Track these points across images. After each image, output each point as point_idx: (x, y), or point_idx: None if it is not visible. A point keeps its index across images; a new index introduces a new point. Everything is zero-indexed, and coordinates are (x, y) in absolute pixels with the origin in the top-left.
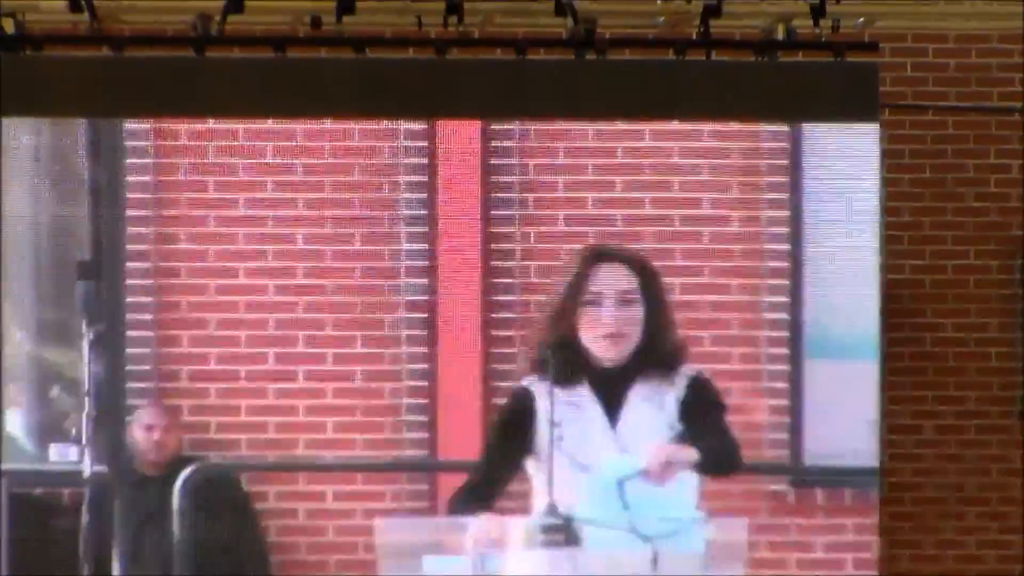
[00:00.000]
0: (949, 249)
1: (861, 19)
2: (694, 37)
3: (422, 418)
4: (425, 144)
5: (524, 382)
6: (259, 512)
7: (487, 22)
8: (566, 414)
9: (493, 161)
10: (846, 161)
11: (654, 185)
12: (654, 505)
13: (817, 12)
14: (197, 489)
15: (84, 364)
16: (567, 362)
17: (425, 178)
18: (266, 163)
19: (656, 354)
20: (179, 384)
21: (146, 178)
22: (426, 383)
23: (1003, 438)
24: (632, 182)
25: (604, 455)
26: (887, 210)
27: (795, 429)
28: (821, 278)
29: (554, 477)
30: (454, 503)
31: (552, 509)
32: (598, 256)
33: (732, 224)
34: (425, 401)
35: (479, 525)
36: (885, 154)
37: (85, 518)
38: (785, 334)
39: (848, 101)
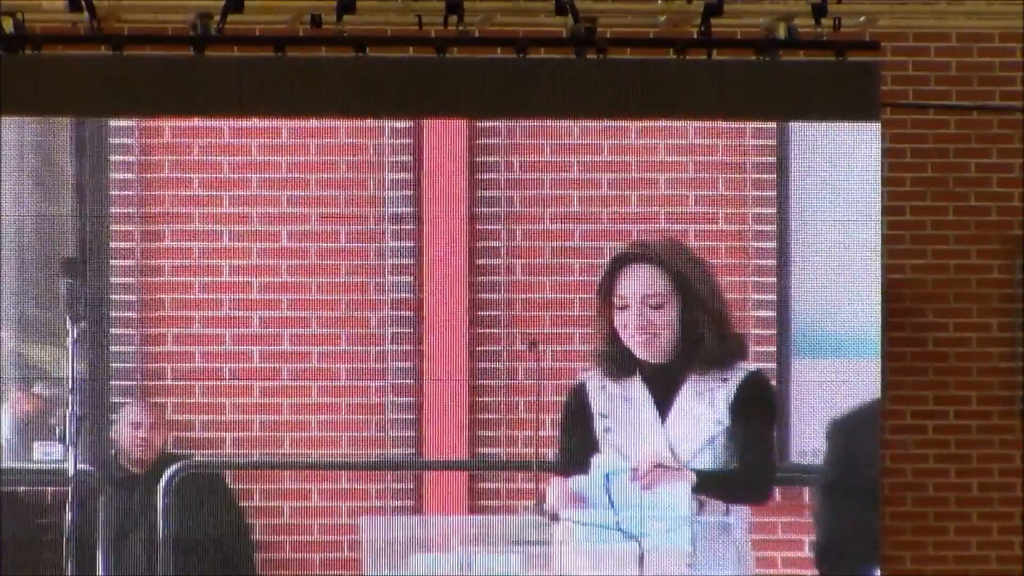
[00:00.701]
0: (950, 249)
1: (862, 18)
2: (695, 36)
3: (408, 416)
4: (410, 142)
5: (581, 377)
6: (244, 510)
7: (487, 21)
8: (615, 407)
9: (479, 159)
10: (846, 160)
11: (641, 183)
12: (643, 503)
13: (818, 11)
14: (181, 487)
15: (68, 362)
16: (616, 358)
17: (411, 176)
18: (251, 161)
19: (706, 350)
20: (164, 382)
21: (130, 175)
22: (412, 381)
23: (1004, 438)
24: (621, 180)
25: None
26: (888, 210)
27: (781, 427)
28: (822, 277)
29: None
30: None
31: (539, 506)
32: (623, 259)
33: (719, 222)
34: (411, 399)
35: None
36: (886, 153)
37: (69, 517)
38: (772, 332)
39: (849, 100)
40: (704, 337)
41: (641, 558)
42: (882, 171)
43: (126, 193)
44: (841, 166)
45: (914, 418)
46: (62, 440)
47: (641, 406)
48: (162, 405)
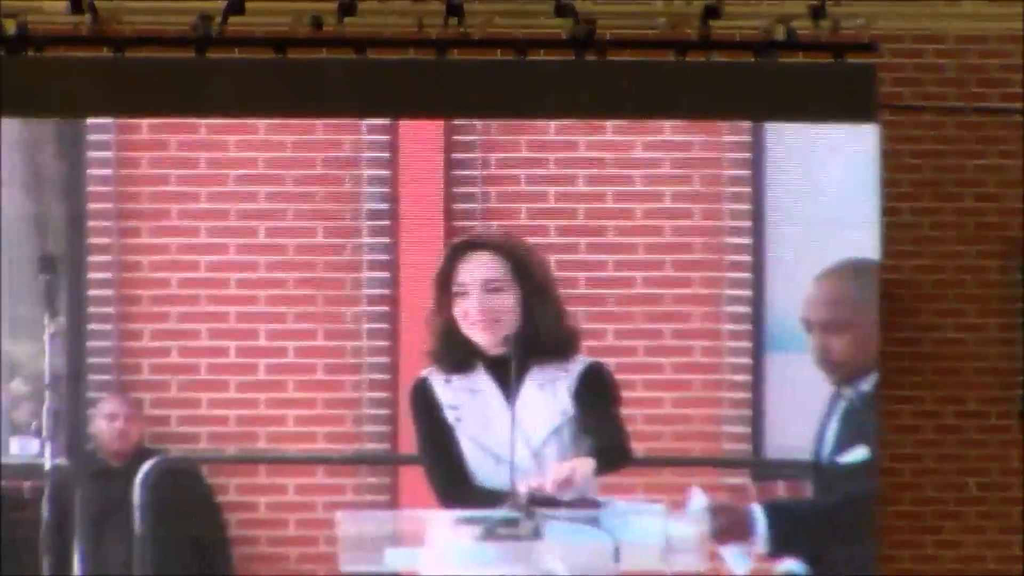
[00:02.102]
0: (949, 249)
1: (860, 20)
2: (694, 38)
3: (383, 412)
4: (387, 139)
5: (423, 373)
6: (220, 505)
7: (487, 23)
8: (462, 399)
9: (455, 155)
10: (845, 160)
11: (617, 179)
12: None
13: (817, 13)
14: (158, 482)
15: (45, 357)
16: (457, 350)
17: (388, 172)
18: (228, 157)
19: (545, 341)
20: (140, 377)
21: (108, 171)
22: (387, 377)
23: (1003, 438)
24: (598, 176)
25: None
26: (887, 210)
27: (758, 423)
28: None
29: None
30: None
31: (514, 502)
32: (463, 247)
33: (694, 218)
34: (386, 395)
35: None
36: (885, 155)
37: (46, 511)
38: (748, 327)
39: (847, 102)
40: (543, 326)
41: (616, 552)
42: (880, 172)
43: (103, 189)
44: (839, 165)
45: (913, 418)
46: (39, 435)
47: (488, 397)
48: (139, 399)
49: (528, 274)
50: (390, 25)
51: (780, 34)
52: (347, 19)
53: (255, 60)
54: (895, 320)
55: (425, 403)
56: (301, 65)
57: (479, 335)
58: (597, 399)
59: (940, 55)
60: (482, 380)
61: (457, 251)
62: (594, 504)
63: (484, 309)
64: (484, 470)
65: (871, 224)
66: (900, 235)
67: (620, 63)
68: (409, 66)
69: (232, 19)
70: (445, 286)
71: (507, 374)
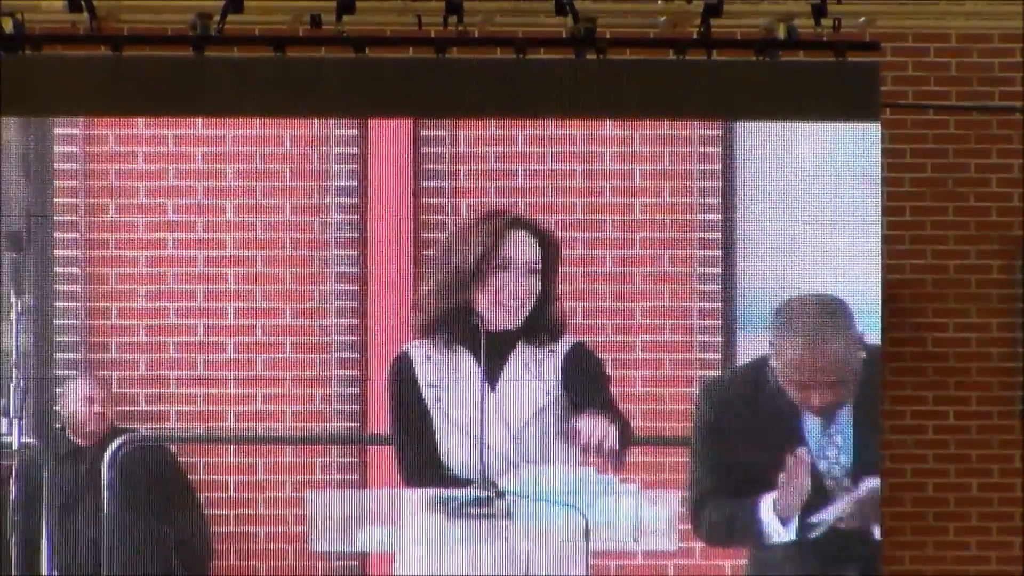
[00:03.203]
0: (950, 249)
1: (862, 18)
2: (695, 36)
3: (352, 390)
4: (355, 133)
5: (404, 348)
6: (190, 484)
7: (487, 21)
8: (443, 376)
9: (424, 132)
10: (845, 159)
11: (588, 156)
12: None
13: (818, 11)
14: (126, 462)
15: (12, 335)
16: (456, 326)
17: (356, 150)
18: (196, 134)
19: (540, 323)
20: (108, 355)
21: (75, 149)
22: (357, 355)
23: (1004, 438)
24: (568, 154)
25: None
26: (888, 210)
27: None
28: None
29: (439, 437)
30: (409, 481)
31: (486, 481)
32: (513, 223)
33: (664, 196)
34: (355, 373)
35: None
36: (886, 154)
37: (14, 490)
38: (718, 306)
39: (849, 101)
40: (545, 310)
41: (587, 532)
42: (882, 171)
43: (70, 166)
44: (839, 164)
45: (914, 418)
46: (6, 414)
47: (472, 376)
48: (107, 378)
49: (553, 263)
50: (389, 23)
51: (781, 33)
52: (346, 17)
53: (254, 58)
54: (896, 320)
55: (402, 380)
56: (300, 64)
57: (500, 312)
58: (589, 380)
59: (941, 54)
60: (466, 358)
61: (506, 225)
62: None
63: (521, 288)
64: (460, 450)
65: (872, 223)
66: (901, 234)
67: (620, 62)
68: (408, 65)
69: (230, 17)
70: (487, 258)
71: (492, 353)
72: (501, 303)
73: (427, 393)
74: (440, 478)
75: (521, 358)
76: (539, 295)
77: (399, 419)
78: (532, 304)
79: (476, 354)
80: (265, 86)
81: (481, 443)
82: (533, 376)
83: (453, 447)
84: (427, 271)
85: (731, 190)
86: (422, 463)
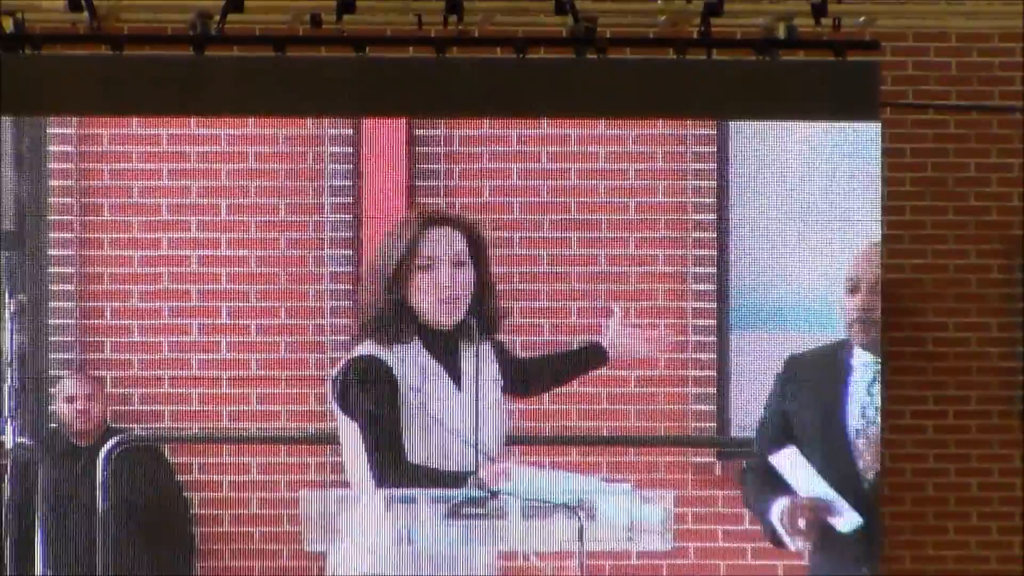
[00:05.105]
0: (950, 248)
1: (862, 18)
2: (695, 36)
3: None
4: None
5: (364, 351)
6: (183, 484)
7: (487, 21)
8: (417, 378)
9: (419, 132)
10: (845, 159)
11: (582, 156)
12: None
13: (818, 11)
14: (120, 461)
15: (6, 335)
16: (401, 325)
17: (350, 149)
18: (191, 133)
19: (480, 318)
20: (102, 355)
21: (69, 148)
22: None
23: (1004, 438)
24: (562, 153)
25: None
26: (888, 209)
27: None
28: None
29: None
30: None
31: (478, 482)
32: (430, 220)
33: (659, 195)
34: None
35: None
36: (886, 153)
37: (7, 490)
38: (712, 305)
39: (849, 100)
40: (483, 303)
41: (581, 532)
42: (882, 171)
43: (65, 166)
44: (838, 164)
45: (914, 418)
46: (0, 413)
47: (436, 374)
48: (102, 377)
49: (481, 254)
50: (389, 23)
51: (781, 32)
52: (346, 17)
53: (254, 58)
54: (896, 319)
55: (378, 380)
56: (300, 63)
57: (437, 310)
58: (521, 360)
59: (941, 53)
60: (426, 357)
61: (422, 223)
62: None
63: (451, 284)
64: (441, 448)
65: (872, 223)
66: (901, 234)
67: (620, 61)
68: (407, 64)
69: (231, 17)
70: (408, 258)
71: (445, 351)
72: (440, 300)
73: (412, 396)
74: (422, 476)
75: (470, 351)
76: (475, 287)
77: (373, 422)
78: (469, 299)
79: (432, 353)
80: (265, 85)
81: (476, 443)
82: (485, 367)
83: (435, 446)
84: (366, 276)
85: (726, 189)
86: (398, 461)
